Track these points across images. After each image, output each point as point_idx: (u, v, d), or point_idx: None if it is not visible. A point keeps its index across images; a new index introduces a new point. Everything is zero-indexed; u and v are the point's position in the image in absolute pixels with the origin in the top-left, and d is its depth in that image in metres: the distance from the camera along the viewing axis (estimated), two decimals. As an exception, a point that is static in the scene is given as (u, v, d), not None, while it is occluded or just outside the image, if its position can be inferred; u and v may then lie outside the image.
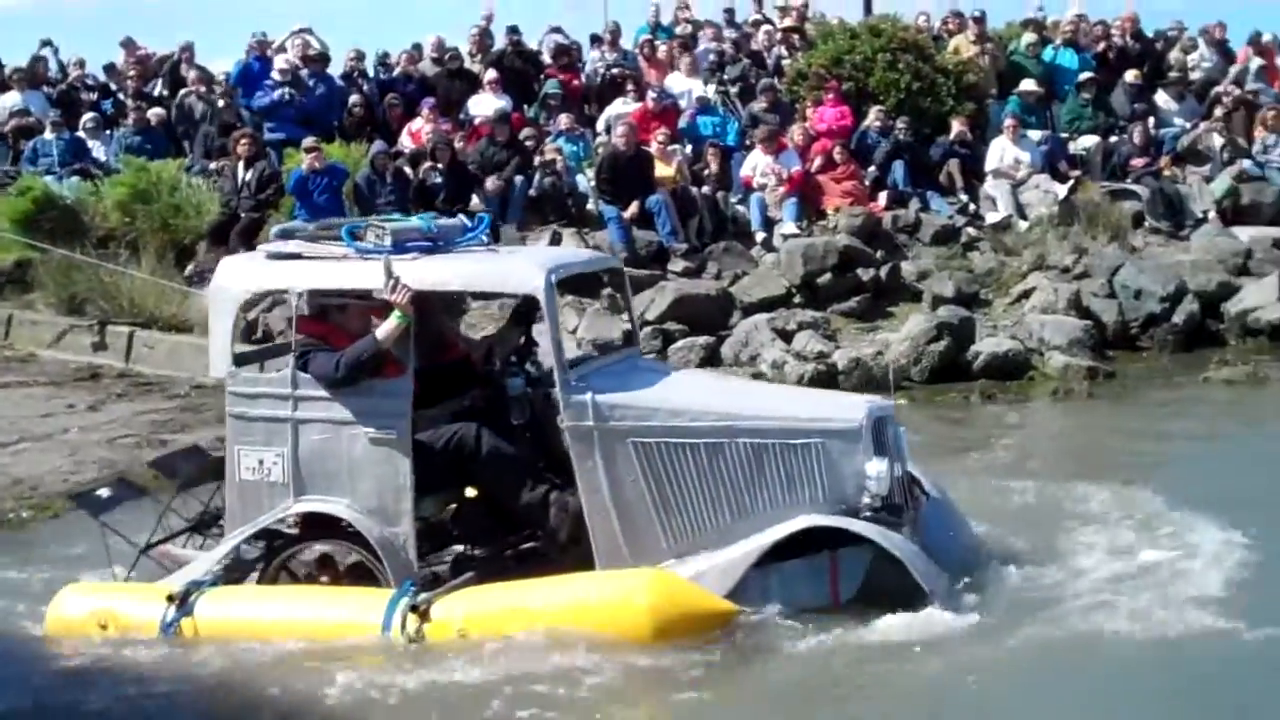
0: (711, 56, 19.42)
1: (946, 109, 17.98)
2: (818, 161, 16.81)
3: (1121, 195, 17.37)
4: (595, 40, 20.18)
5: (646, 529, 7.42)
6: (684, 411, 7.47)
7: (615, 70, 19.17)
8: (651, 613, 6.94)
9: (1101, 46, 20.01)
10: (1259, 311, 15.38)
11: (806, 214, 16.29)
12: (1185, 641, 6.86)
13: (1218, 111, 18.68)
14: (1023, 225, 16.72)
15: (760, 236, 16.13)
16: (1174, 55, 20.60)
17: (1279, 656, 6.72)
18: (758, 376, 13.48)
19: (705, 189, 16.37)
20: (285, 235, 8.07)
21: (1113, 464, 10.93)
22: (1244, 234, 16.95)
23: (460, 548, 7.82)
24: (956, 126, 17.53)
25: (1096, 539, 8.45)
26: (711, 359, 14.19)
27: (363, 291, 7.55)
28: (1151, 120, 18.68)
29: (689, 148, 17.33)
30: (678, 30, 20.61)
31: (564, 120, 17.39)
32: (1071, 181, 17.21)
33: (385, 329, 7.34)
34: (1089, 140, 18.24)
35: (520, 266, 8.02)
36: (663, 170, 16.24)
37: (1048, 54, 19.64)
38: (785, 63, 19.35)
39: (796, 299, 15.19)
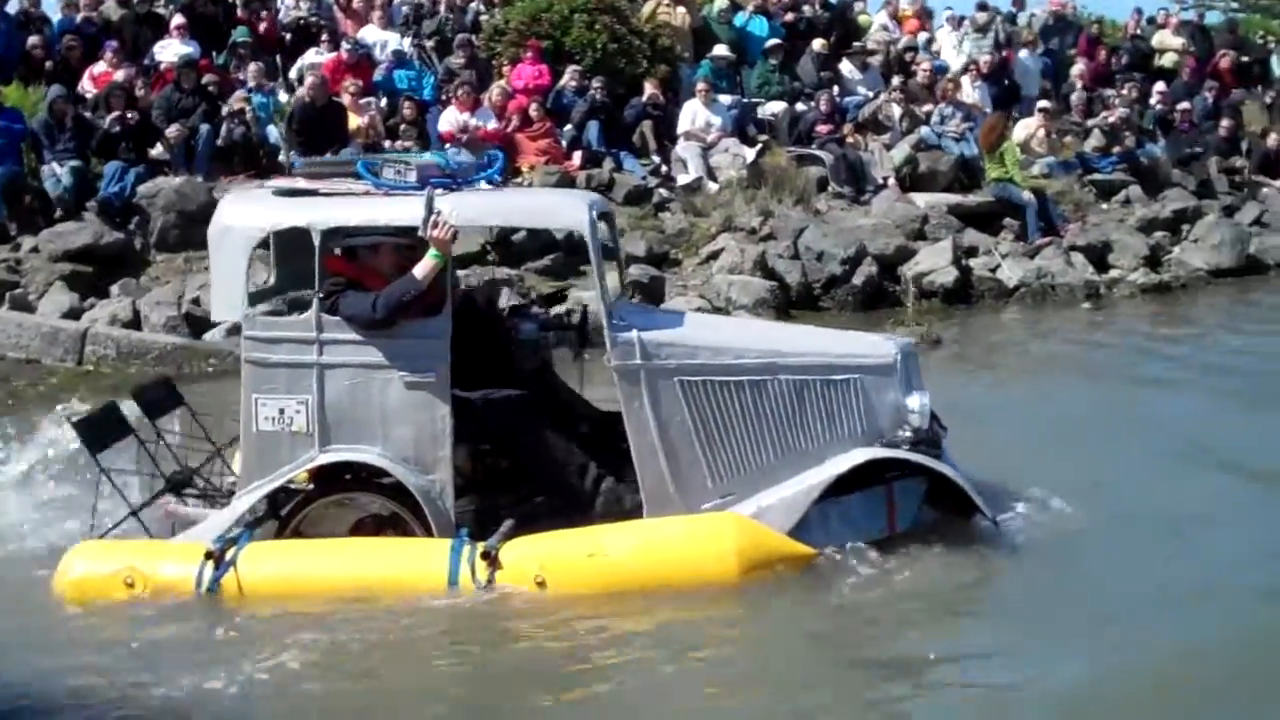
0: (406, 9, 19.22)
1: (641, 71, 18.23)
2: (514, 120, 16.83)
3: (807, 160, 17.91)
4: (288, -12, 19.69)
5: (692, 468, 7.28)
6: (727, 349, 7.37)
7: (311, 19, 18.79)
8: (739, 557, 6.81)
9: (791, 16, 20.59)
10: (933, 274, 16.09)
11: (502, 171, 16.27)
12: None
13: (895, 81, 19.46)
14: (712, 187, 17.08)
15: (455, 193, 16.04)
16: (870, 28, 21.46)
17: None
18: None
19: (400, 143, 16.20)
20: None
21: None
22: (921, 200, 17.72)
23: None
24: (650, 88, 17.80)
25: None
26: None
27: (394, 229, 7.12)
28: (836, 89, 19.33)
29: (384, 101, 17.14)
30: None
31: (253, 73, 16.91)
32: (759, 146, 17.68)
33: (423, 268, 6.94)
34: (777, 106, 18.75)
35: (563, 202, 7.98)
36: (357, 123, 16.00)
37: (739, 20, 20.14)
38: (483, 18, 19.32)
39: (490, 256, 15.15)
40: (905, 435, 7.45)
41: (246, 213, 7.36)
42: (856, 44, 20.89)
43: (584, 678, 6.25)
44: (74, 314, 13.50)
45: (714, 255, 15.85)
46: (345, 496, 7.32)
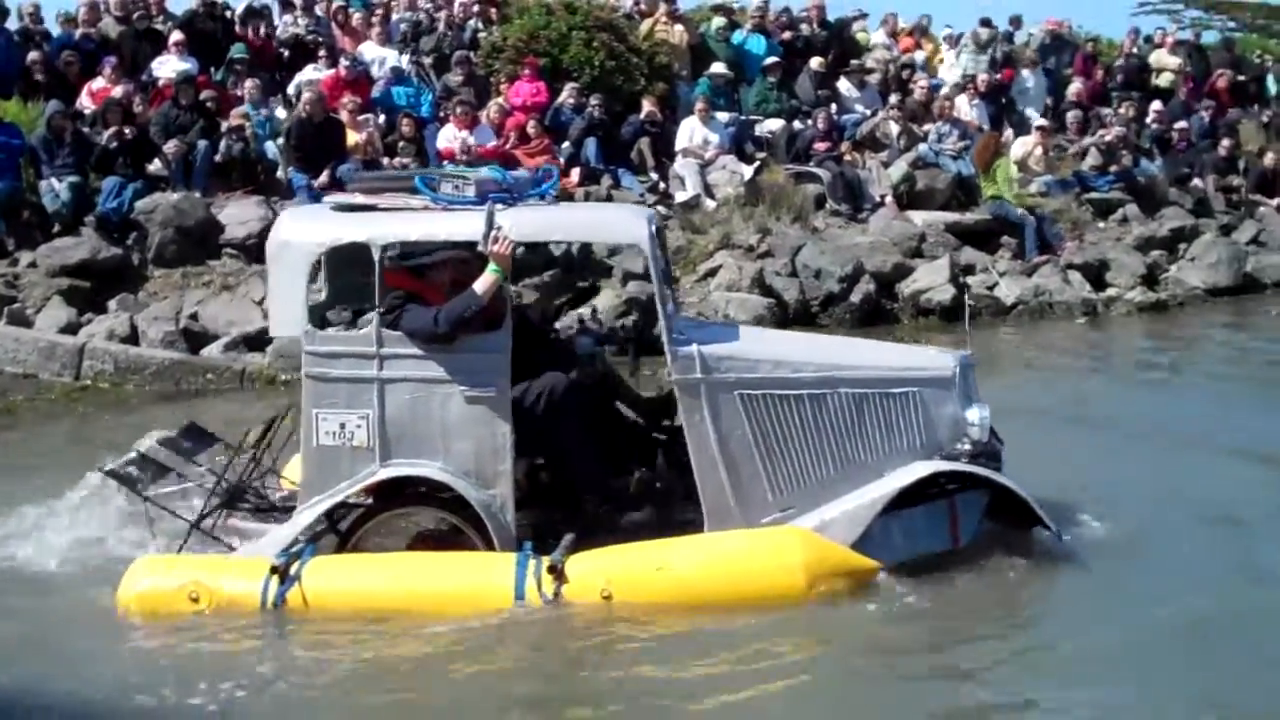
0: (405, 26, 19.25)
1: (639, 88, 18.27)
2: (512, 137, 16.84)
3: (804, 178, 17.95)
4: (287, 5, 19.70)
5: (752, 482, 7.31)
6: (786, 363, 7.41)
7: (309, 36, 18.81)
8: (806, 571, 6.84)
9: (788, 34, 20.64)
10: (931, 292, 16.11)
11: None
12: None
13: (893, 99, 19.51)
14: (710, 204, 17.10)
15: (453, 209, 16.02)
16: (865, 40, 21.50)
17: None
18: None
19: (399, 160, 16.21)
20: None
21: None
22: (918, 218, 17.74)
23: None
24: (648, 106, 17.83)
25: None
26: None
27: (455, 243, 7.16)
28: (834, 106, 19.38)
29: (382, 118, 17.16)
30: (374, -2, 20.35)
31: (250, 89, 16.90)
32: (757, 163, 17.71)
33: (484, 283, 6.98)
34: (774, 124, 18.80)
35: (623, 217, 8.05)
36: (355, 139, 16.02)
37: (737, 38, 20.19)
38: (481, 35, 19.33)
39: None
40: (964, 448, 7.49)
41: (306, 228, 7.39)
42: (854, 62, 20.91)
43: (657, 692, 6.25)
44: (71, 329, 13.48)
45: (712, 272, 15.87)
46: (405, 511, 7.34)
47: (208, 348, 13.44)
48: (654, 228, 7.47)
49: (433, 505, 7.30)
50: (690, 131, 17.73)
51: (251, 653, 6.57)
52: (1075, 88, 21.93)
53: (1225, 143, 21.44)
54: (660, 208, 16.81)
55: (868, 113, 19.51)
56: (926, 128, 19.25)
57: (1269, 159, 21.42)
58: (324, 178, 15.17)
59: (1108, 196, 19.44)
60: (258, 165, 15.87)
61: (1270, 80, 25.82)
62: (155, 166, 15.52)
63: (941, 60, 22.27)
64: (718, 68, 18.99)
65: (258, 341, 13.38)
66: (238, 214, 14.98)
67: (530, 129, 16.88)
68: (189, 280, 14.43)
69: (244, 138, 15.76)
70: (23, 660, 6.62)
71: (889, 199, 17.86)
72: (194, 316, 13.83)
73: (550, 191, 7.91)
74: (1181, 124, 21.83)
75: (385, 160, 16.01)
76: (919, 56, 21.57)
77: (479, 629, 6.66)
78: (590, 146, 17.08)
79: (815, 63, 19.99)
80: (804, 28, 20.98)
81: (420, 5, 20.31)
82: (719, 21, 20.29)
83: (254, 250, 14.49)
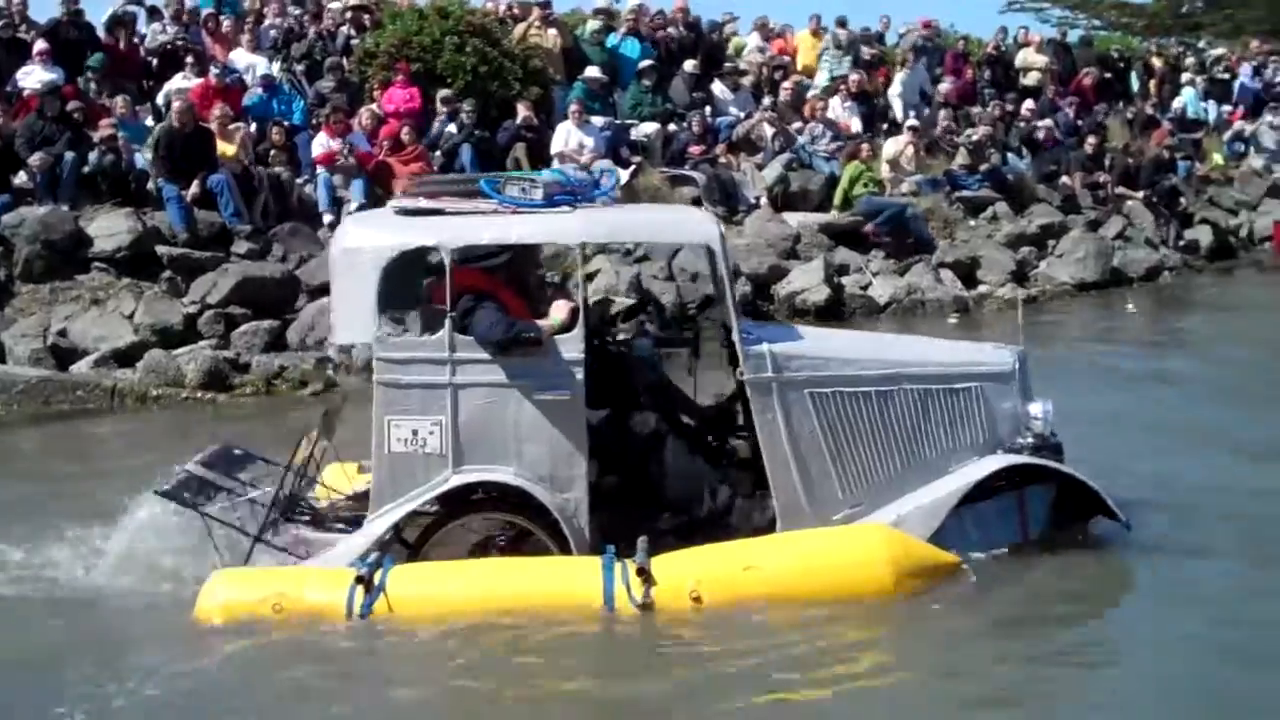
0: (275, 33, 19.06)
1: (513, 93, 18.24)
2: (386, 144, 16.76)
3: (680, 181, 18.06)
4: (154, 13, 19.38)
5: (823, 480, 7.40)
6: (854, 361, 7.53)
7: (178, 43, 18.52)
8: (893, 567, 6.90)
9: (661, 35, 20.74)
10: (806, 293, 16.31)
11: (375, 195, 16.22)
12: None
13: (766, 101, 19.69)
14: (587, 209, 17.08)
15: (328, 218, 15.92)
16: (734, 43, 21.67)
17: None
18: (323, 361, 13.40)
19: (270, 169, 16.06)
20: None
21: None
22: (793, 219, 17.93)
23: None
24: (523, 111, 17.81)
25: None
26: (276, 343, 13.95)
27: (523, 246, 7.24)
28: (708, 109, 19.51)
29: (253, 126, 16.97)
30: (245, 4, 20.08)
31: (120, 103, 16.60)
32: (633, 167, 17.78)
33: (549, 326, 7.11)
34: (650, 127, 18.87)
35: (693, 218, 8.15)
36: (226, 149, 15.83)
37: (611, 41, 20.23)
38: (354, 42, 19.18)
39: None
40: (1027, 441, 7.64)
41: (375, 234, 7.33)
42: (728, 64, 21.07)
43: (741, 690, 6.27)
44: (-65, 348, 13.19)
45: (589, 276, 15.86)
46: (483, 517, 7.35)
47: (77, 364, 13.23)
48: (721, 229, 7.54)
49: (505, 510, 7.29)
50: (566, 136, 17.74)
51: (338, 663, 6.58)
52: (945, 87, 22.27)
53: (1091, 140, 21.89)
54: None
55: (742, 115, 19.68)
56: (797, 127, 19.44)
57: (1133, 155, 21.90)
58: (195, 188, 14.99)
59: (978, 195, 19.79)
60: (128, 176, 15.60)
61: (1134, 78, 26.45)
62: (20, 179, 15.20)
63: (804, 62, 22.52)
64: (592, 71, 19.02)
65: (127, 357, 13.21)
66: (107, 226, 14.70)
67: (404, 136, 16.77)
68: (57, 295, 14.15)
69: (115, 149, 15.47)
70: (112, 679, 6.48)
71: (764, 201, 18.03)
72: (62, 333, 13.59)
73: (611, 193, 7.97)
74: (1048, 122, 22.26)
75: (258, 169, 15.83)
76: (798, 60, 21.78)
77: (568, 633, 6.69)
78: (465, 153, 17.02)
79: (689, 65, 20.12)
80: (671, 30, 21.04)
81: (291, 12, 20.11)
82: (594, 25, 20.32)
83: (124, 264, 14.33)
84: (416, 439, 7.10)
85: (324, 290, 14.52)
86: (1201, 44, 32.42)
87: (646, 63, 19.51)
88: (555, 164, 17.41)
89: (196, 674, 6.52)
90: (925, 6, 37.95)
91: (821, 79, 21.60)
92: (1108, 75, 25.89)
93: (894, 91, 21.96)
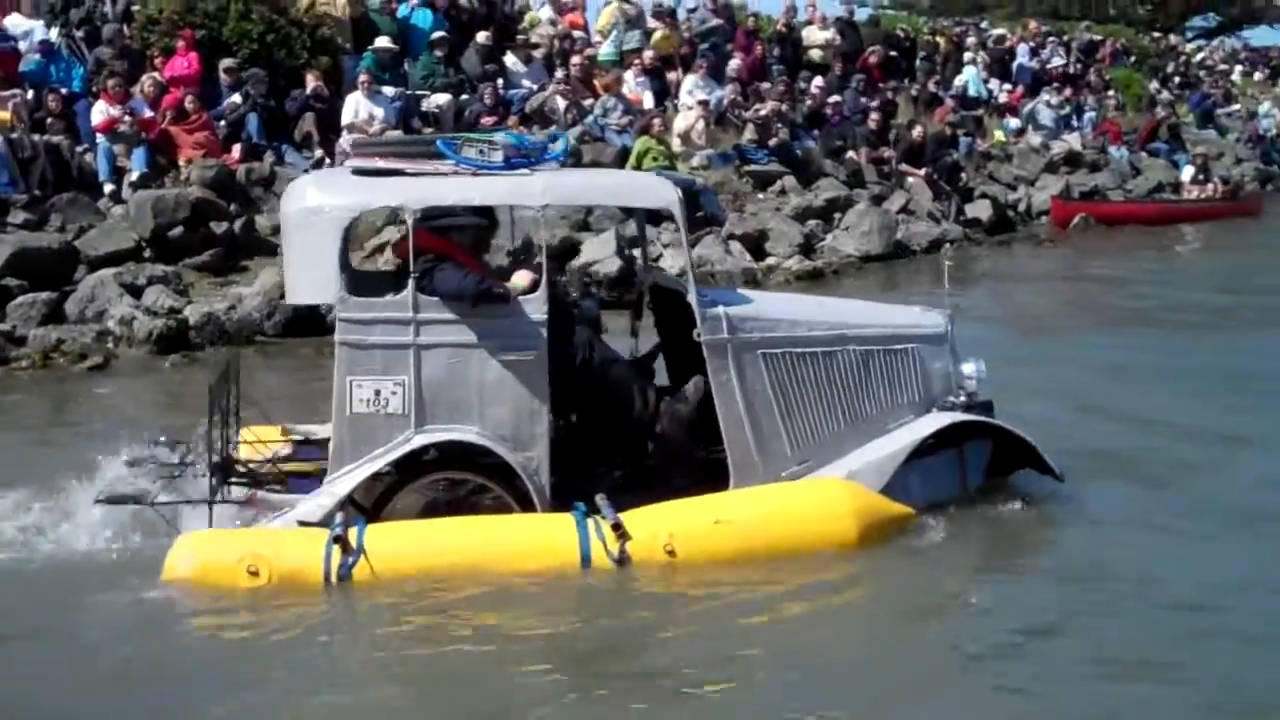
0: (51, -3, 18.49)
1: (301, 62, 17.97)
2: (169, 112, 16.38)
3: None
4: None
5: (773, 438, 7.60)
6: (802, 322, 7.80)
7: (-53, 7, 17.90)
8: (856, 520, 7.17)
9: (454, 6, 20.60)
10: (599, 264, 16.34)
11: (157, 165, 15.86)
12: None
13: (558, 74, 19.73)
14: (377, 180, 16.94)
15: (108, 188, 15.53)
16: (529, 18, 21.64)
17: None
18: (104, 335, 13.08)
19: (47, 136, 15.58)
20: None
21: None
22: (585, 192, 17.96)
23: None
24: (312, 81, 17.56)
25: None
26: (54, 315, 13.54)
27: (485, 207, 7.28)
28: (501, 81, 19.47)
29: (30, 93, 16.43)
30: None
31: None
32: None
33: (512, 288, 7.30)
34: (442, 98, 18.72)
35: (653, 182, 8.16)
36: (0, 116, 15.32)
37: (403, 11, 20.04)
38: (135, 8, 18.66)
39: (147, 253, 14.72)
40: (960, 400, 8.04)
41: (337, 193, 7.30)
42: (521, 36, 21.05)
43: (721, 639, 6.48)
44: None
45: (380, 249, 15.73)
46: (442, 477, 7.36)
47: None
48: (679, 194, 7.65)
49: (467, 470, 7.34)
50: (355, 107, 17.52)
51: (319, 624, 6.60)
52: (735, 63, 22.57)
53: (875, 116, 22.41)
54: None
55: (534, 87, 19.69)
56: (590, 101, 19.53)
57: (917, 132, 22.48)
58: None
59: (766, 169, 20.11)
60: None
61: (919, 56, 27.15)
62: None
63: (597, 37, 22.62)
64: (382, 41, 18.81)
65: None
66: None
67: (188, 104, 16.42)
68: None
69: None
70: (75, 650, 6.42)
71: (556, 173, 18.05)
72: None
73: (562, 157, 8.08)
74: (835, 98, 22.73)
75: (33, 137, 15.34)
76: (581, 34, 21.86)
77: (552, 589, 6.84)
78: (252, 122, 16.75)
79: (482, 37, 20.03)
80: (464, 1, 20.93)
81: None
82: (385, -6, 20.09)
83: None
84: (379, 399, 7.12)
85: (106, 261, 14.28)
86: (984, 24, 33.38)
87: (439, 34, 19.38)
88: (345, 135, 17.24)
89: (172, 640, 6.51)
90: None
91: (607, 50, 21.71)
92: (893, 54, 26.54)
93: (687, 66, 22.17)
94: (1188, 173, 27.48)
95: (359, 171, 7.52)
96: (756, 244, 18.18)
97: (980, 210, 22.47)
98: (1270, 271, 20.00)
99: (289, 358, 13.26)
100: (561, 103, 19.18)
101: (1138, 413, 10.51)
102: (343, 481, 7.18)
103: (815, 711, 5.78)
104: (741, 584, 6.95)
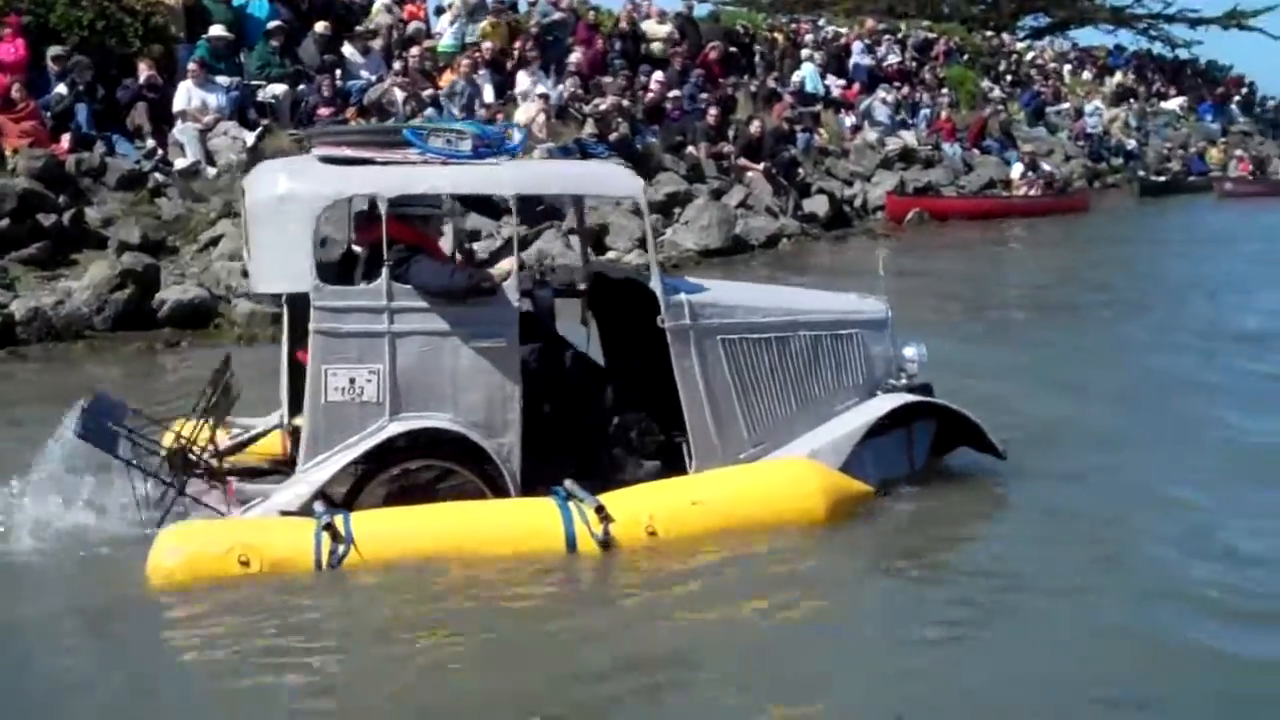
0: None
1: (133, 50, 17.59)
2: (-5, 100, 15.95)
3: (309, 144, 17.67)
4: None
5: (731, 421, 7.82)
6: (757, 309, 8.03)
7: None
8: (824, 498, 7.48)
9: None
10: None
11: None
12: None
13: (396, 65, 19.60)
14: (211, 172, 16.73)
15: (-71, 177, 15.07)
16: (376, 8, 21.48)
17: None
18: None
19: None
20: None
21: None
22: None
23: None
24: (145, 69, 17.21)
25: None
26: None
27: (460, 196, 7.15)
28: (339, 72, 19.27)
29: None
30: None
31: None
32: (260, 129, 17.40)
33: (498, 274, 7.37)
34: (278, 88, 18.47)
35: (618, 172, 8.54)
36: None
37: (238, 0, 19.71)
38: (-42, -8, 18.12)
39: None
40: (902, 382, 8.38)
41: (309, 181, 7.28)
42: (359, 27, 20.85)
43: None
44: None
45: (214, 241, 15.52)
46: (414, 464, 7.35)
47: None
48: (644, 183, 7.82)
49: (435, 458, 7.36)
50: (188, 96, 17.22)
51: (310, 611, 6.59)
52: (576, 57, 22.61)
53: (714, 112, 22.63)
54: (157, 174, 16.35)
55: (373, 79, 19.52)
56: (430, 93, 19.44)
57: (754, 127, 22.75)
58: None
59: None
60: None
61: (758, 53, 27.46)
62: None
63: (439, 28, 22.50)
64: (217, 30, 18.47)
65: None
66: None
67: (14, 92, 15.97)
68: None
69: None
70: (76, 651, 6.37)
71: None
72: None
73: (519, 149, 8.09)
74: (675, 93, 22.89)
75: None
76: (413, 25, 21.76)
77: (543, 571, 6.97)
78: (81, 111, 16.35)
79: (320, 26, 19.77)
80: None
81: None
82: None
83: None
84: (354, 387, 7.15)
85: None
86: (821, 21, 33.84)
87: (275, 23, 19.09)
88: (179, 125, 16.94)
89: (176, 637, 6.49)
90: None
91: (447, 42, 21.63)
92: (733, 49, 26.80)
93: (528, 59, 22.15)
94: (1017, 169, 28.24)
95: (327, 160, 7.50)
96: (597, 238, 18.23)
97: (818, 205, 22.85)
98: (1096, 265, 20.71)
99: (118, 353, 13.01)
100: (400, 94, 19.03)
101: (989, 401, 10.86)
102: (319, 470, 7.20)
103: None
104: (723, 563, 7.21)
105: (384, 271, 7.11)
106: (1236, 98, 46.76)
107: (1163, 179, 34.68)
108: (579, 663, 6.17)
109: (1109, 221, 27.50)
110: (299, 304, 7.52)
